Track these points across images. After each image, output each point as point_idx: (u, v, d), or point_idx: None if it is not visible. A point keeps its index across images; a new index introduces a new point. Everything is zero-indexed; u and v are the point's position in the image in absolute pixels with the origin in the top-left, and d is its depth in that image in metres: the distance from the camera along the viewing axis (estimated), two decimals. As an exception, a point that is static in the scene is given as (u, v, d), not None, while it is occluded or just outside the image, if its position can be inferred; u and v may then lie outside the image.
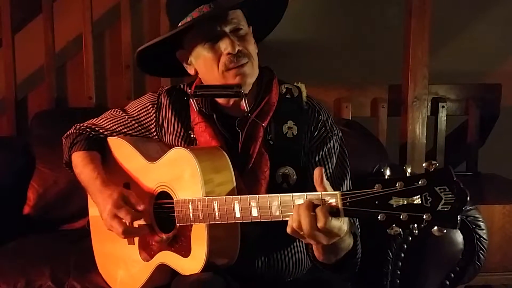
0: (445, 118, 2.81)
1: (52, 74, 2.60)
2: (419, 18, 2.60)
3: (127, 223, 1.44)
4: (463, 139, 2.94)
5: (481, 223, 1.79)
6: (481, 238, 1.78)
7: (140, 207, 1.44)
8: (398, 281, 1.79)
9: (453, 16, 3.14)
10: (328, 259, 1.37)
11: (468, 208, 1.77)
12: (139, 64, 1.59)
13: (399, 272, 1.79)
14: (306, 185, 1.45)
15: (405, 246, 1.78)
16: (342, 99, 2.73)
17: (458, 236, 1.79)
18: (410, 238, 1.78)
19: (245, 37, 1.47)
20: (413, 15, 2.60)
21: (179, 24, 1.47)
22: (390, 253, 1.78)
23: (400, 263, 1.79)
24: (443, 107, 2.80)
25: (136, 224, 1.49)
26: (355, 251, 1.41)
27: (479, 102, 2.87)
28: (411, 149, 2.68)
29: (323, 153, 1.51)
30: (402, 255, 1.78)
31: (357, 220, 1.48)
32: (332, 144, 1.53)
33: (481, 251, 1.79)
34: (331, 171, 1.51)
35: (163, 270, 1.50)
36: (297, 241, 1.49)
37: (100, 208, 1.50)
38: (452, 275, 1.80)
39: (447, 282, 1.81)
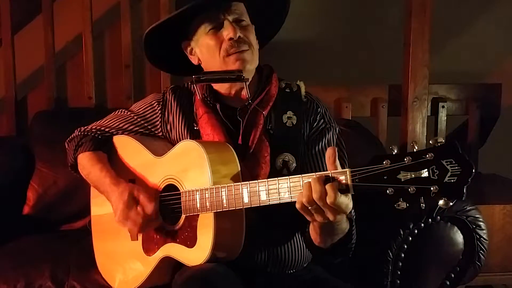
0: (445, 118, 2.81)
1: (52, 74, 2.60)
2: (419, 18, 2.60)
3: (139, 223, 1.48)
4: (463, 139, 2.94)
5: (481, 223, 1.79)
6: (481, 238, 1.78)
7: (149, 209, 1.46)
8: (398, 281, 1.79)
9: (453, 16, 3.14)
10: (324, 242, 1.43)
11: (468, 208, 1.77)
12: (145, 49, 1.62)
13: (399, 272, 1.79)
14: (305, 171, 1.48)
15: (405, 246, 1.78)
16: (342, 99, 2.74)
17: (458, 236, 1.79)
18: (410, 238, 1.78)
19: (247, 27, 1.52)
20: (413, 15, 2.60)
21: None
22: (390, 253, 1.78)
23: (400, 263, 1.78)
24: (443, 107, 2.80)
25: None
26: (350, 236, 1.45)
27: (479, 102, 2.87)
28: (411, 149, 2.67)
29: (322, 144, 1.55)
30: (402, 255, 1.78)
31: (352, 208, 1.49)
32: (331, 136, 1.57)
33: (481, 251, 1.79)
34: None
35: (165, 266, 1.51)
36: (297, 233, 1.52)
37: (113, 207, 1.53)
38: (452, 275, 1.80)
39: (447, 282, 1.81)
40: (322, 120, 1.58)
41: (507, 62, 3.28)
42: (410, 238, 1.78)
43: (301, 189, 1.24)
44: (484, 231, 1.79)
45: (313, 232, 1.43)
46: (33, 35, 2.66)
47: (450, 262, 1.80)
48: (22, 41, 2.65)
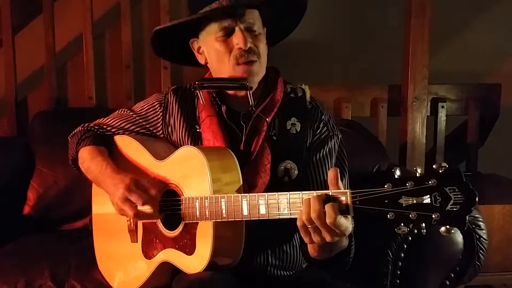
0: (445, 118, 2.82)
1: (52, 74, 2.60)
2: (419, 18, 2.61)
3: (138, 207, 1.44)
4: (463, 139, 2.94)
5: (481, 223, 1.79)
6: (481, 238, 1.78)
7: (152, 192, 1.44)
8: (398, 281, 1.79)
9: (453, 16, 3.15)
10: (320, 257, 1.41)
11: (468, 208, 1.77)
12: (153, 44, 1.61)
13: (399, 272, 1.79)
14: (307, 179, 1.51)
15: (405, 246, 1.78)
16: (342, 99, 2.74)
17: (458, 236, 1.79)
18: (410, 238, 1.78)
19: (258, 36, 1.51)
20: (413, 15, 2.61)
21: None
22: (390, 253, 1.78)
23: (400, 263, 1.79)
24: (443, 107, 2.80)
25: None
26: (349, 250, 1.44)
27: (479, 102, 2.88)
28: (411, 149, 2.68)
29: (324, 152, 1.54)
30: (402, 255, 1.78)
31: (352, 220, 1.49)
32: (332, 144, 1.56)
33: (481, 251, 1.79)
34: None
35: (164, 269, 1.51)
36: (295, 234, 1.52)
37: (110, 194, 1.50)
38: (452, 275, 1.80)
39: (447, 282, 1.81)
40: (325, 128, 1.56)
41: (507, 62, 3.28)
42: (410, 238, 1.78)
43: (300, 206, 1.23)
44: (484, 231, 1.79)
45: (311, 249, 1.41)
46: (33, 35, 2.67)
47: (449, 262, 1.80)
48: (22, 41, 2.65)
